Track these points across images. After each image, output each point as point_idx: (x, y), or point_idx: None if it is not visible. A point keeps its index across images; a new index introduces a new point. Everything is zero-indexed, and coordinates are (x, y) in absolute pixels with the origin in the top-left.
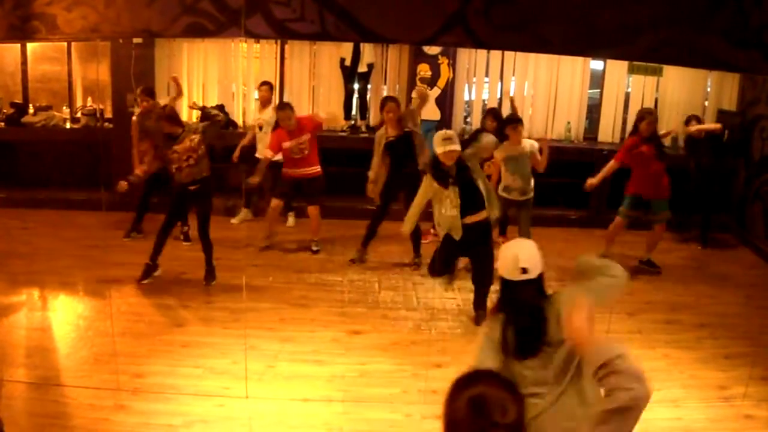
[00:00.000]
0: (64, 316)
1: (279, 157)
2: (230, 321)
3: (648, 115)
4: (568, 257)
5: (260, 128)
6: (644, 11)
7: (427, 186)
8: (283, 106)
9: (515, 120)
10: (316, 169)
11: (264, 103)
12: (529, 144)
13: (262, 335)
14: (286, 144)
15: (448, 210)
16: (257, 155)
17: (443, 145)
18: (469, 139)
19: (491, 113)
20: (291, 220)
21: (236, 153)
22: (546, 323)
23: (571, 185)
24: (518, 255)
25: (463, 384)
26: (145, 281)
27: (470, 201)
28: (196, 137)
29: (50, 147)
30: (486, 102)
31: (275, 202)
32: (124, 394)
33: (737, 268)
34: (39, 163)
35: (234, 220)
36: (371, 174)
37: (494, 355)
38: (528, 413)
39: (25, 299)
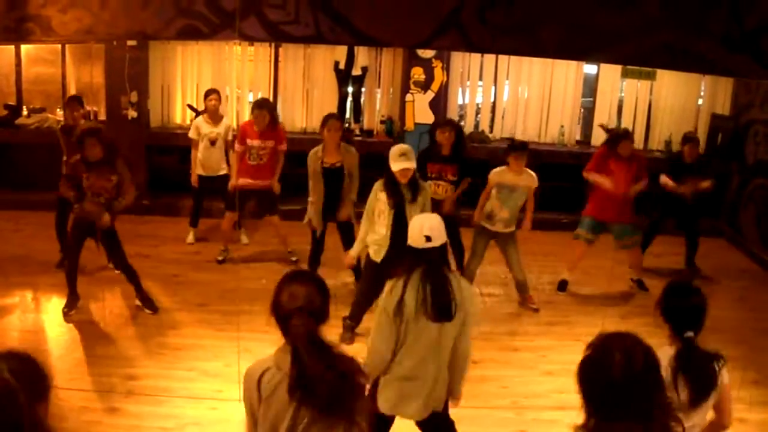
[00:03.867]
0: (56, 318)
1: (223, 171)
2: (223, 324)
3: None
4: (562, 260)
5: (213, 143)
6: (638, 15)
7: (372, 199)
8: (262, 105)
9: (518, 147)
10: (268, 182)
11: (213, 114)
12: (529, 177)
13: (255, 338)
14: (251, 141)
15: (380, 228)
16: (200, 172)
17: (398, 162)
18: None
19: (449, 125)
20: (244, 237)
21: (194, 177)
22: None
23: (563, 189)
24: (423, 224)
25: (287, 280)
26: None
27: (401, 230)
28: (115, 177)
29: (44, 149)
30: (479, 105)
31: (229, 215)
32: (116, 396)
33: (729, 272)
34: (32, 165)
35: (188, 240)
36: (311, 198)
37: (393, 327)
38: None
39: (18, 301)
